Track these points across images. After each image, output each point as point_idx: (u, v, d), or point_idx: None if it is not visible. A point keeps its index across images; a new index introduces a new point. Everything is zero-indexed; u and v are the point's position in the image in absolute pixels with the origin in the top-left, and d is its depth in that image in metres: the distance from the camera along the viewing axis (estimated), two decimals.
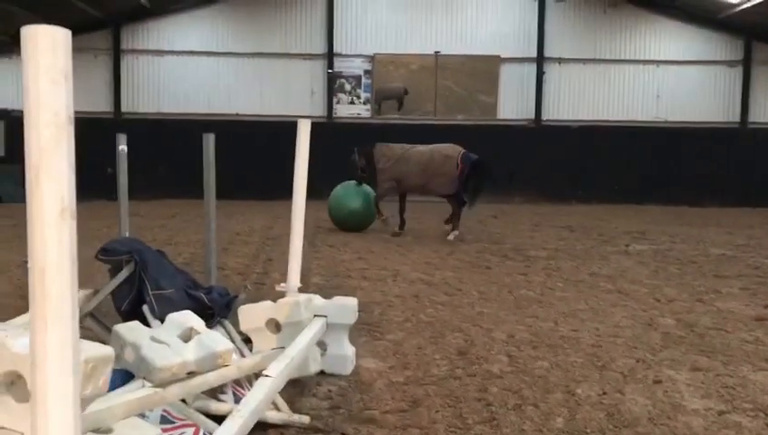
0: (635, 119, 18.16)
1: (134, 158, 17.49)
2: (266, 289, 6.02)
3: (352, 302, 3.78)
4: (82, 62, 17.54)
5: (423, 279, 6.72)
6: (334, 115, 17.87)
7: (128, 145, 17.90)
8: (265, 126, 17.63)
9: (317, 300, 3.80)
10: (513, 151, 18.11)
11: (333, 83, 17.78)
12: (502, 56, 17.94)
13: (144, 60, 17.62)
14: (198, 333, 3.11)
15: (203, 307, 3.68)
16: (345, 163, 16.24)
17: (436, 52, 17.80)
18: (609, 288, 6.43)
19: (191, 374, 2.95)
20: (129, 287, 3.69)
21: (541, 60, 18.00)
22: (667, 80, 18.21)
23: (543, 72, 18.03)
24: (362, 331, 4.68)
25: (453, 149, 11.44)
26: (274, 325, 3.52)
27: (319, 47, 17.75)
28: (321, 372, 3.73)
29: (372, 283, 6.47)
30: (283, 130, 17.47)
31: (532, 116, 18.13)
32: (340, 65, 17.77)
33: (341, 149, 16.69)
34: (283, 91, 17.79)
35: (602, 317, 5.21)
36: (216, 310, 3.78)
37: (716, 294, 6.25)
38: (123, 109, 17.61)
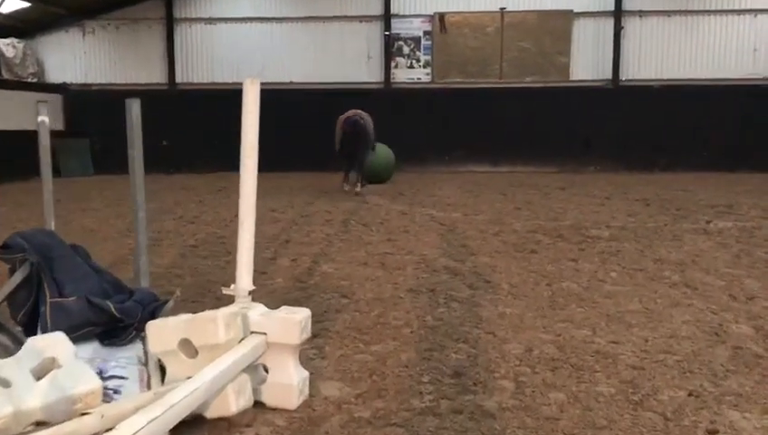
0: (727, 77, 16.16)
1: (190, 129, 17.30)
2: (263, 281, 5.26)
3: (300, 315, 2.92)
4: (137, 33, 17.27)
5: (450, 267, 5.78)
6: (392, 80, 16.86)
7: (183, 117, 17.57)
8: (320, 94, 16.86)
9: (255, 312, 2.96)
10: (588, 115, 16.61)
11: (391, 46, 16.73)
12: (575, 10, 16.30)
13: (197, 28, 17.13)
14: (59, 366, 2.34)
15: (111, 319, 2.92)
16: (404, 132, 15.39)
17: (501, 8, 16.38)
18: (674, 280, 5.28)
19: (39, 425, 2.19)
20: (27, 293, 2.97)
21: (619, 13, 16.25)
22: (765, 31, 16.09)
23: (622, 27, 16.27)
24: (346, 339, 3.83)
25: (347, 114, 12.37)
26: (190, 348, 2.72)
27: (375, 8, 16.70)
28: (261, 405, 2.91)
29: (388, 272, 5.59)
30: (338, 98, 16.74)
31: (610, 76, 16.47)
32: (397, 27, 16.69)
33: (400, 116, 15.80)
34: (338, 57, 16.92)
35: (656, 322, 4.14)
36: (136, 321, 3.01)
37: None
38: (178, 80, 17.25)
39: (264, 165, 14.25)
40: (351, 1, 16.84)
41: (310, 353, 3.58)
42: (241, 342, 2.77)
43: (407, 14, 16.81)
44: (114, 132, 16.93)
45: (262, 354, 2.88)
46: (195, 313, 3.43)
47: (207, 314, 2.73)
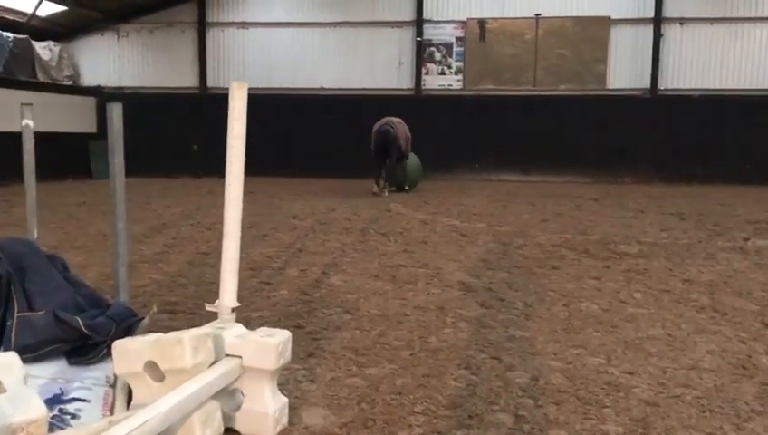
0: None
1: (219, 134, 17.34)
2: (267, 293, 5.09)
3: (278, 339, 2.71)
4: (170, 37, 17.41)
5: (464, 283, 5.52)
6: (423, 87, 16.64)
7: (214, 121, 17.66)
8: (350, 99, 16.74)
9: (231, 333, 2.76)
10: (624, 125, 16.17)
11: (422, 52, 16.51)
12: (612, 17, 15.87)
13: (229, 33, 17.18)
14: (4, 390, 2.17)
15: (80, 335, 2.75)
16: (434, 139, 15.11)
17: (537, 14, 16.05)
18: (702, 303, 4.94)
19: None
20: None
21: (658, 20, 15.76)
22: None
23: (661, 35, 15.79)
24: (340, 360, 3.61)
25: (380, 122, 12.98)
26: (156, 371, 2.52)
27: (407, 13, 16.52)
28: (236, 433, 2.71)
29: (398, 286, 5.35)
30: (368, 104, 16.58)
31: (648, 85, 15.98)
32: (429, 33, 16.47)
33: (430, 123, 15.57)
34: (369, 63, 16.78)
35: (678, 351, 3.82)
36: (108, 338, 2.83)
37: None
38: (209, 84, 17.31)
39: (293, 170, 14.43)
40: (383, 6, 16.70)
41: (299, 375, 3.37)
42: (212, 366, 2.57)
43: (439, 19, 16.59)
44: (145, 136, 17.15)
45: (236, 379, 2.68)
46: (193, 325, 3.27)
47: (174, 335, 2.54)
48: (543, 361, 3.65)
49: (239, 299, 4.90)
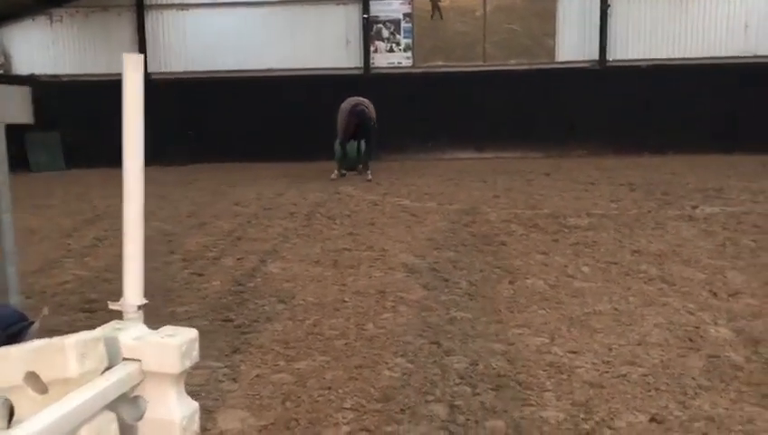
0: (718, 55, 15.64)
1: (164, 120, 16.76)
2: (198, 284, 4.78)
3: (180, 339, 2.41)
4: (107, 21, 16.67)
5: (408, 264, 5.29)
6: (372, 65, 16.30)
7: (156, 107, 17.06)
8: (298, 80, 16.32)
9: (130, 335, 2.46)
10: (574, 97, 16.10)
11: (370, 30, 16.15)
12: None
13: (169, 15, 16.52)
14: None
15: None
16: (385, 118, 14.80)
17: None
18: (651, 275, 4.81)
19: None
20: None
21: None
22: (757, 6, 15.54)
23: (608, 6, 15.74)
24: (268, 354, 3.35)
25: (350, 102, 12.45)
26: (38, 382, 2.22)
27: None
28: None
29: (338, 272, 5.10)
30: (317, 84, 16.20)
31: (596, 57, 15.93)
32: (376, 9, 16.10)
33: (381, 102, 15.19)
34: (316, 42, 16.34)
35: (624, 326, 3.66)
36: None
37: None
38: (150, 69, 16.66)
39: (244, 155, 13.89)
40: None
41: (220, 374, 3.10)
42: (105, 372, 2.28)
43: None
44: (86, 125, 16.47)
45: (136, 386, 2.39)
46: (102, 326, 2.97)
47: (57, 341, 2.23)
48: (484, 343, 3.45)
49: (167, 292, 4.62)
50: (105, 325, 2.63)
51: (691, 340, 3.43)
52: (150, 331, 2.55)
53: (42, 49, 16.65)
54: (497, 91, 15.94)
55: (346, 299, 4.32)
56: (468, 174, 12.90)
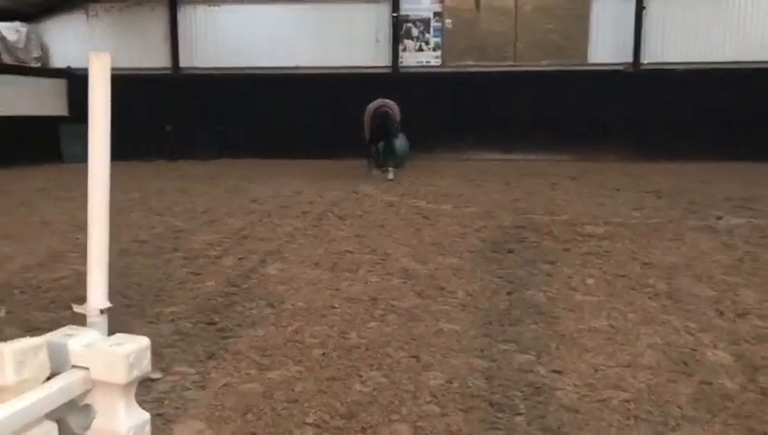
0: (758, 59, 15.12)
1: (194, 115, 16.93)
2: (192, 284, 4.74)
3: (129, 348, 2.36)
4: (140, 16, 16.88)
5: (408, 269, 5.19)
6: (400, 64, 16.17)
7: (188, 102, 17.32)
8: (327, 78, 16.30)
9: (80, 341, 2.41)
10: (606, 100, 15.75)
11: (399, 29, 16.02)
12: None
13: (201, 11, 16.64)
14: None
15: None
16: (412, 118, 14.64)
17: None
18: (658, 289, 4.61)
19: None
20: None
21: None
22: None
23: (644, 7, 15.33)
24: (243, 362, 3.28)
25: (375, 104, 12.61)
26: None
27: None
28: None
29: (335, 275, 5.02)
30: (345, 82, 16.14)
31: (630, 59, 15.54)
32: (406, 8, 15.97)
33: (408, 101, 15.08)
34: (345, 40, 16.28)
35: (617, 346, 3.50)
36: None
37: None
38: (182, 64, 16.83)
39: (269, 151, 13.98)
40: None
41: (189, 381, 3.04)
42: (48, 380, 2.23)
43: None
44: (117, 117, 16.74)
45: (84, 394, 2.34)
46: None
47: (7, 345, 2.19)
48: (466, 359, 3.32)
49: (159, 291, 4.60)
50: (56, 331, 2.58)
51: (685, 363, 3.25)
52: (102, 338, 2.50)
53: (78, 43, 16.93)
54: (527, 91, 15.67)
55: (336, 305, 4.23)
56: (492, 176, 12.71)
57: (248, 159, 16.03)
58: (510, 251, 5.93)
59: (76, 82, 16.89)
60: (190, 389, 2.97)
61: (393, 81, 15.86)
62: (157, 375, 3.06)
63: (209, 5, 16.69)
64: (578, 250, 5.99)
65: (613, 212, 8.22)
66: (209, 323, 3.85)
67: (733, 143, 15.12)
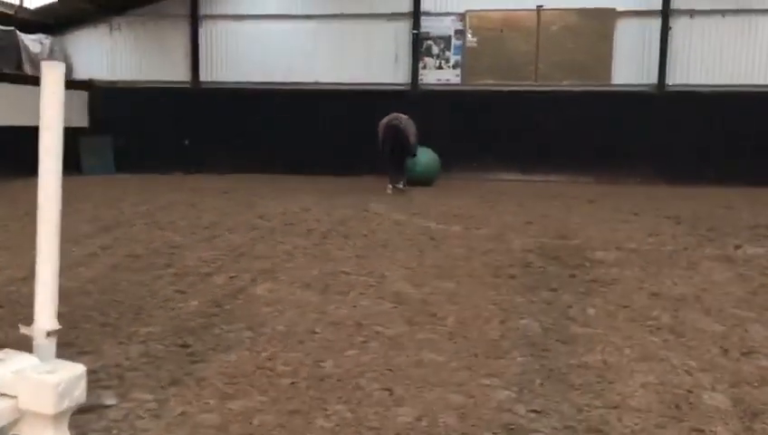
0: None
1: (212, 129, 16.92)
2: (175, 303, 4.61)
3: (60, 377, 2.22)
4: (163, 30, 17.02)
5: (401, 294, 5.00)
6: (420, 82, 16.05)
7: (206, 116, 17.30)
8: (346, 94, 16.23)
9: (10, 367, 2.28)
10: (629, 122, 15.40)
11: (419, 46, 15.92)
12: (618, 9, 15.12)
13: (222, 25, 16.73)
14: None
15: None
16: (431, 136, 14.49)
17: (538, 6, 15.36)
18: (661, 323, 4.36)
19: None
20: None
21: (666, 12, 14.95)
22: None
23: (670, 28, 15.01)
24: (207, 389, 3.12)
25: (389, 117, 12.83)
26: None
27: (404, 5, 15.92)
28: None
29: (325, 298, 4.85)
30: (364, 99, 16.06)
31: (655, 81, 15.19)
32: (427, 25, 15.87)
33: (427, 119, 14.92)
34: (364, 56, 16.21)
35: (607, 384, 3.27)
36: None
37: None
38: (202, 78, 16.91)
39: (287, 167, 13.87)
40: None
41: (144, 409, 2.89)
42: None
43: (437, 11, 15.98)
44: (137, 130, 16.83)
45: (12, 424, 2.19)
46: (67, 342, 2.82)
47: None
48: (443, 393, 3.12)
49: (139, 310, 4.47)
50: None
51: (678, 406, 3.02)
52: (36, 364, 2.34)
53: (101, 55, 17.13)
54: (548, 112, 15.40)
55: (317, 330, 4.06)
56: (508, 196, 12.46)
57: (265, 175, 15.97)
58: (512, 276, 5.71)
59: (98, 94, 17.08)
60: (144, 418, 2.82)
61: (412, 98, 15.73)
62: (111, 401, 2.91)
63: (231, 20, 16.77)
64: (583, 277, 5.75)
65: (627, 237, 7.93)
66: (182, 346, 3.71)
67: (760, 168, 14.67)
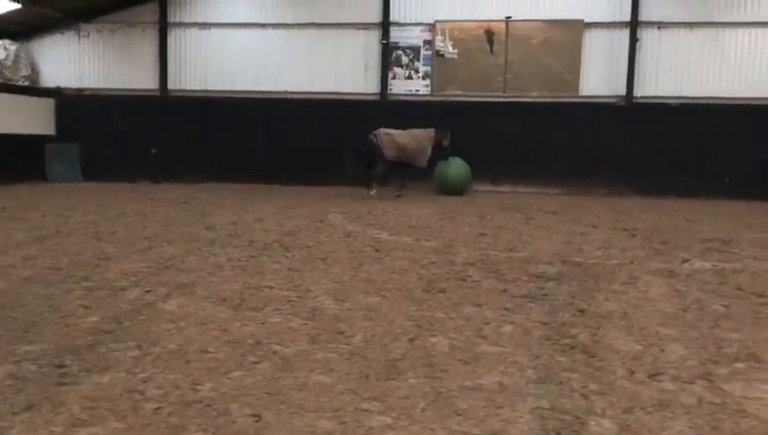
0: (755, 96, 14.69)
1: (180, 137, 16.72)
2: (75, 319, 4.41)
3: None
4: (131, 37, 16.86)
5: (318, 309, 4.82)
6: (389, 92, 15.94)
7: (174, 124, 17.16)
8: (315, 104, 16.10)
9: None
10: (597, 134, 15.38)
11: (389, 56, 15.81)
12: (586, 21, 15.10)
13: (191, 33, 16.58)
14: None
15: None
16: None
17: (507, 17, 15.31)
18: (577, 341, 4.21)
19: None
20: None
21: (635, 24, 14.93)
22: None
23: (638, 40, 14.99)
24: (60, 416, 2.94)
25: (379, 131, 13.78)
26: None
27: (373, 15, 15.83)
28: None
29: (236, 313, 4.67)
30: (333, 108, 15.92)
31: (623, 92, 15.16)
32: (396, 35, 15.77)
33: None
34: (334, 66, 16.10)
35: (493, 410, 3.11)
36: None
37: (751, 363, 3.85)
38: (170, 86, 16.73)
39: (253, 175, 13.78)
40: (349, 7, 16.05)
41: None
42: None
43: (406, 21, 15.90)
44: (105, 138, 16.61)
45: None
46: None
47: None
48: (314, 419, 2.94)
49: (30, 326, 4.26)
50: None
51: (558, 434, 2.85)
52: None
53: (68, 63, 16.95)
54: (516, 123, 15.33)
55: (211, 349, 3.87)
56: (471, 208, 12.33)
57: (234, 184, 15.80)
58: (442, 291, 5.55)
59: (65, 101, 16.86)
60: None
61: (381, 107, 15.63)
62: None
63: (199, 29, 16.62)
64: (516, 291, 5.60)
65: (576, 250, 7.80)
66: (58, 366, 3.51)
67: (729, 181, 14.64)
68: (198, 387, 3.29)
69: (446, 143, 14.25)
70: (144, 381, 3.34)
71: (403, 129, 14.03)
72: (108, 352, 3.78)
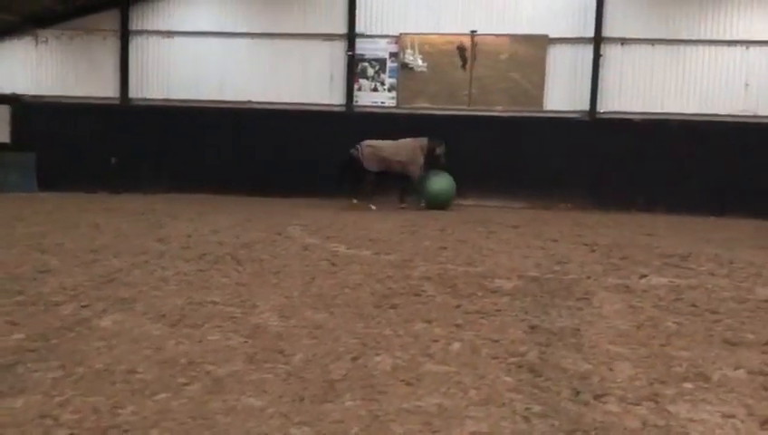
0: (716, 112, 14.90)
1: (141, 147, 16.40)
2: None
3: None
4: (91, 45, 16.54)
5: (261, 327, 4.64)
6: (355, 103, 15.84)
7: (135, 134, 16.83)
8: (279, 114, 15.93)
9: None
10: (561, 148, 15.46)
11: (354, 67, 15.73)
12: (550, 36, 15.22)
13: (153, 42, 16.33)
14: None
15: None
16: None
17: (472, 31, 15.35)
18: (525, 360, 4.10)
19: None
20: None
21: (599, 40, 15.10)
22: (758, 65, 14.83)
23: (601, 55, 15.14)
24: None
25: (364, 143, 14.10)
26: None
27: (339, 26, 15.77)
28: None
29: (173, 331, 4.46)
30: (298, 119, 15.76)
31: (586, 107, 15.29)
32: (362, 47, 15.71)
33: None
34: (299, 77, 15.98)
35: (429, 434, 2.95)
36: None
37: (699, 383, 3.76)
38: (131, 95, 16.42)
39: (217, 186, 13.54)
40: (315, 18, 15.95)
41: None
42: None
43: (372, 33, 15.85)
44: (63, 147, 16.20)
45: None
46: None
47: None
48: None
49: None
50: None
51: None
52: None
53: (25, 69, 16.56)
54: (481, 137, 15.36)
55: (140, 369, 3.66)
56: (434, 221, 12.26)
57: (196, 195, 15.53)
58: (393, 307, 5.40)
59: (21, 109, 16.44)
60: None
61: (347, 119, 15.51)
62: None
63: (162, 37, 16.36)
64: (469, 307, 5.48)
65: (534, 265, 7.74)
66: None
67: (689, 196, 14.80)
68: (119, 411, 3.09)
69: (439, 152, 14.29)
70: (60, 405, 3.12)
71: (380, 139, 14.03)
72: (26, 372, 3.55)
